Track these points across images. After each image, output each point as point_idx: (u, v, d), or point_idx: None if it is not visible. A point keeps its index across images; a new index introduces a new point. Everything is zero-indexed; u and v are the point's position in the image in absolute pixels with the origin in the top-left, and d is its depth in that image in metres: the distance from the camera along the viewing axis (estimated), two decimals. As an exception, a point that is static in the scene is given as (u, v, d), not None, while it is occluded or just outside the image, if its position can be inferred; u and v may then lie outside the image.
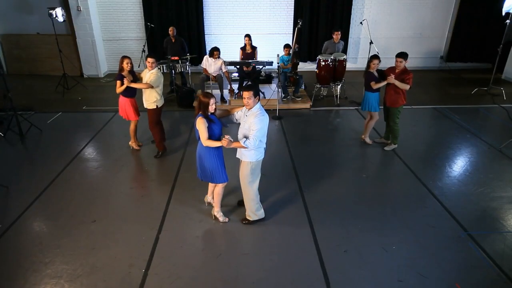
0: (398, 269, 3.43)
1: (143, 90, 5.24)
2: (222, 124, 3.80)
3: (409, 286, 3.25)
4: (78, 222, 4.09)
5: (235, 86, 8.07)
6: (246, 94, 3.53)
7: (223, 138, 3.50)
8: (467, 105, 7.86)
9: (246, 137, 3.61)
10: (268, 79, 8.93)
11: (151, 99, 5.27)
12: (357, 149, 5.89)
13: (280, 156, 5.63)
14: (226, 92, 8.01)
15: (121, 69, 5.21)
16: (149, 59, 5.14)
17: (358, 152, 5.82)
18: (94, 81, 9.58)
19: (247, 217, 4.07)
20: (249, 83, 7.87)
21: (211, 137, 3.61)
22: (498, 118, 7.21)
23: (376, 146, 5.93)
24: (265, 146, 3.83)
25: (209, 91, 8.03)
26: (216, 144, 3.56)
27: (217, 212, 4.10)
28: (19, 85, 9.09)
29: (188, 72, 8.28)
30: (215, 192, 4.02)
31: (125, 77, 5.17)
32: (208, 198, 4.32)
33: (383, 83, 5.39)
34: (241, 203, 4.32)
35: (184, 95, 7.66)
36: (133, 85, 5.21)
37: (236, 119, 3.89)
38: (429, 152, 5.79)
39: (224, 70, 7.49)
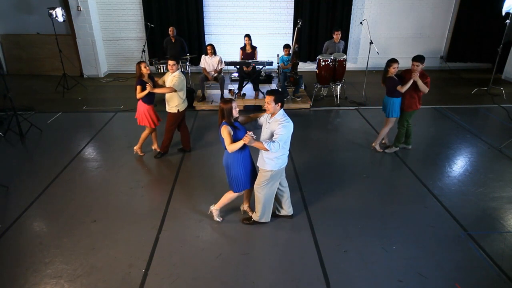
0: (398, 269, 3.44)
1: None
2: (247, 131, 3.67)
3: (409, 286, 3.26)
4: (78, 222, 4.09)
5: (235, 86, 8.07)
6: (267, 98, 3.46)
7: (246, 135, 3.34)
8: (467, 105, 7.86)
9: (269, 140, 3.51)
10: (268, 79, 8.93)
11: (173, 103, 5.16)
12: (357, 150, 5.88)
13: (280, 156, 5.62)
14: (226, 92, 8.02)
15: (141, 74, 5.07)
16: (170, 62, 5.03)
17: (358, 152, 5.81)
18: (94, 81, 9.58)
19: (253, 217, 4.03)
20: (249, 83, 7.94)
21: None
22: (498, 118, 7.22)
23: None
24: (288, 152, 3.76)
25: (209, 91, 8.07)
26: (238, 144, 3.43)
27: (215, 210, 4.08)
28: (19, 85, 9.09)
29: (188, 72, 8.28)
30: (227, 196, 3.95)
31: (148, 83, 5.02)
32: (245, 206, 4.21)
33: (410, 83, 5.04)
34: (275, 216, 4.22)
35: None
36: (156, 90, 5.04)
37: (259, 124, 3.83)
38: (429, 152, 5.79)
39: (220, 67, 7.50)
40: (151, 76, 5.22)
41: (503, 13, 8.09)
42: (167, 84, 5.14)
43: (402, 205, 4.41)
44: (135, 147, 5.61)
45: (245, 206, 4.21)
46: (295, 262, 3.52)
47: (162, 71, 7.61)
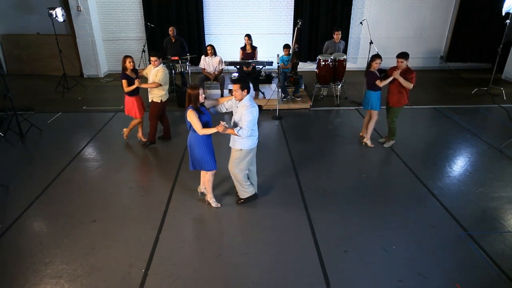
0: (398, 269, 3.44)
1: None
2: (211, 114, 4.07)
3: (409, 286, 3.26)
4: (78, 222, 4.09)
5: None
6: (234, 86, 3.86)
7: (219, 125, 3.73)
8: (467, 105, 7.86)
9: (238, 126, 3.89)
10: (268, 79, 8.93)
11: (157, 93, 5.46)
12: (357, 149, 5.88)
13: (280, 156, 5.63)
14: (226, 92, 8.01)
15: (125, 68, 5.36)
16: (152, 58, 5.30)
17: (358, 152, 5.82)
18: (94, 81, 9.58)
19: (241, 197, 4.37)
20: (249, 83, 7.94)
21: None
22: (498, 118, 7.21)
23: (376, 145, 5.93)
24: (257, 135, 4.10)
25: (209, 91, 8.06)
26: (212, 131, 3.80)
27: (209, 198, 4.34)
28: (19, 85, 9.09)
29: (188, 72, 8.28)
30: (205, 180, 4.25)
31: (133, 78, 5.36)
32: (201, 188, 4.45)
33: (389, 80, 5.36)
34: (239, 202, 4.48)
35: (184, 95, 7.64)
36: (144, 85, 5.37)
37: (227, 108, 4.17)
38: (429, 152, 5.79)
39: (220, 67, 7.50)
40: (135, 69, 5.52)
41: (503, 13, 8.09)
42: (150, 77, 5.43)
43: (402, 205, 4.41)
44: (124, 129, 6.00)
45: (202, 188, 4.44)
46: (295, 262, 3.52)
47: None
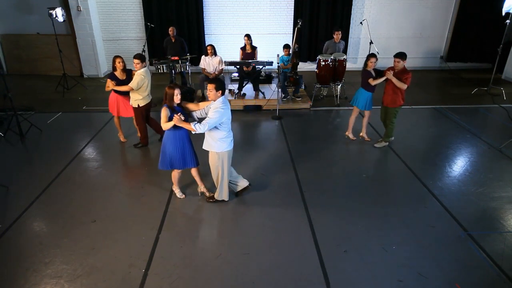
0: (398, 269, 3.44)
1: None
2: (191, 117, 4.17)
3: (409, 286, 3.26)
4: (78, 222, 4.09)
5: (235, 86, 8.07)
6: (209, 86, 3.85)
7: (175, 115, 3.82)
8: (467, 105, 7.86)
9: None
10: (268, 79, 8.93)
11: (134, 98, 5.48)
12: (357, 149, 5.89)
13: (280, 156, 5.63)
14: (226, 92, 8.00)
15: (114, 68, 5.45)
16: (135, 60, 5.29)
17: (358, 152, 5.82)
18: (94, 81, 9.58)
19: (214, 196, 4.40)
20: (249, 83, 7.95)
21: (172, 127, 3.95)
22: (498, 118, 7.21)
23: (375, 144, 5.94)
24: (231, 138, 4.10)
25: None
26: (170, 124, 3.89)
27: (175, 188, 4.55)
28: (19, 85, 9.09)
29: (188, 72, 8.28)
30: (172, 175, 4.41)
31: (117, 78, 5.45)
32: (201, 188, 4.51)
33: (382, 79, 5.44)
34: (238, 194, 4.55)
35: (183, 96, 7.63)
36: (118, 88, 5.43)
37: (206, 113, 4.11)
38: (429, 152, 5.79)
39: (220, 67, 7.50)
40: (128, 70, 5.56)
41: (503, 13, 8.09)
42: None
43: (402, 205, 4.40)
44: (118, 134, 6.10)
45: (201, 188, 4.52)
46: (295, 262, 3.52)
47: (162, 71, 7.61)
